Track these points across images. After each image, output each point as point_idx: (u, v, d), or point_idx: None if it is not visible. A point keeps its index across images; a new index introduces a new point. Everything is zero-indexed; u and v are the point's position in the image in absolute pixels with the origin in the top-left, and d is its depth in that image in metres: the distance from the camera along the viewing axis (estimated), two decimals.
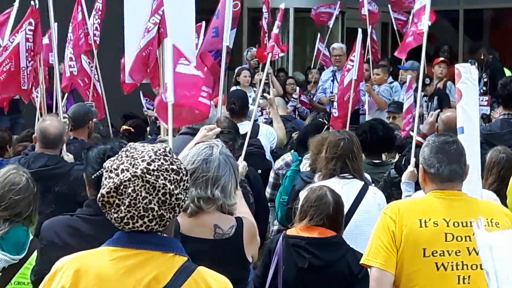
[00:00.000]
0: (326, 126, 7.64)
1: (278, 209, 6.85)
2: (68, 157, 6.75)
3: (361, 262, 4.04)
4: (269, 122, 9.28)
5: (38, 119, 8.01)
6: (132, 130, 8.55)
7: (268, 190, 7.30)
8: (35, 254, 4.42)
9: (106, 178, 2.70)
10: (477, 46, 14.01)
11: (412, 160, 6.26)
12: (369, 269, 4.10)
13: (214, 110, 6.32)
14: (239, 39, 16.10)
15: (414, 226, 3.88)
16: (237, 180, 4.17)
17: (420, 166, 4.09)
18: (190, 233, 4.02)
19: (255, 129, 8.25)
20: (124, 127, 8.72)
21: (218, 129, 4.70)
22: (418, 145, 6.63)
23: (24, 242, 4.47)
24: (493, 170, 5.73)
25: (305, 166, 6.59)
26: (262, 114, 11.00)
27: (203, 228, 4.05)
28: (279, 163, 7.39)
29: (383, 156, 7.32)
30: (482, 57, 12.90)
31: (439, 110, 8.37)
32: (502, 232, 2.21)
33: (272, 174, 7.40)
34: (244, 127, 7.83)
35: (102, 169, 3.48)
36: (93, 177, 3.58)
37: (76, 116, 7.55)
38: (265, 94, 9.46)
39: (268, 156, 8.19)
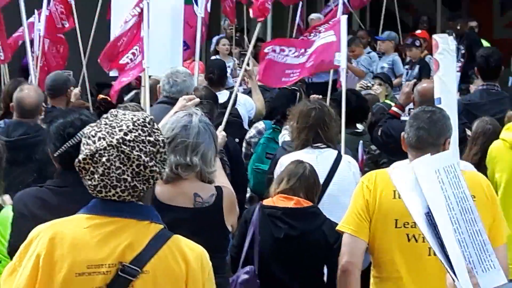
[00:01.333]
0: (298, 94, 7.60)
1: (251, 176, 6.85)
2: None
3: (337, 228, 4.07)
4: (247, 92, 9.26)
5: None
6: (109, 99, 8.48)
7: None
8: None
9: (84, 144, 2.69)
10: (457, 16, 13.97)
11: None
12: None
13: (191, 79, 6.30)
14: (217, 8, 16.02)
15: (388, 196, 3.89)
16: (216, 148, 4.16)
17: (402, 134, 4.09)
18: (170, 201, 4.01)
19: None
20: (101, 96, 8.65)
21: (198, 100, 4.68)
22: (395, 116, 6.65)
23: None
24: (478, 141, 5.73)
25: (284, 136, 6.59)
26: (241, 85, 10.97)
27: (183, 196, 4.04)
28: (251, 132, 7.37)
29: (360, 126, 7.34)
30: (459, 27, 12.87)
31: (415, 80, 8.35)
32: (421, 160, 2.18)
33: (243, 144, 7.38)
34: (222, 96, 7.81)
35: (64, 147, 3.49)
36: (55, 155, 3.57)
37: (54, 84, 7.50)
38: (244, 66, 9.41)
39: (246, 125, 8.18)
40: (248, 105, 8.41)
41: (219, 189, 4.12)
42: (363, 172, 6.59)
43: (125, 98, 9.24)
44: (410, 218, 3.82)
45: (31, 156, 5.90)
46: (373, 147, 6.85)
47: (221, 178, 4.27)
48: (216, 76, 8.40)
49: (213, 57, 11.79)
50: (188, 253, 2.69)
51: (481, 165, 5.42)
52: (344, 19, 6.96)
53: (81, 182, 3.48)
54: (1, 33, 8.55)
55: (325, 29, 7.13)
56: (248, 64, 9.44)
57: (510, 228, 4.74)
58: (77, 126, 3.53)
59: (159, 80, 6.67)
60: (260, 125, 7.41)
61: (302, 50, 7.18)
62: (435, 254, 3.81)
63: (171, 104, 5.35)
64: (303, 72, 7.08)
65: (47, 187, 3.58)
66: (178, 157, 4.01)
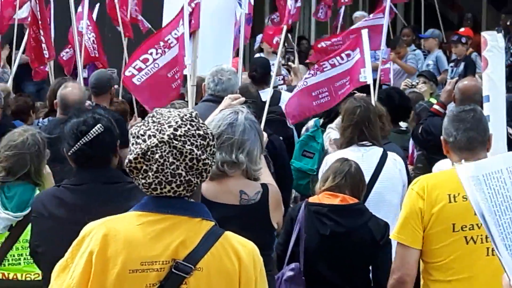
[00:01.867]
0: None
1: None
2: None
3: (390, 236, 4.04)
4: (291, 90, 9.26)
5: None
6: None
7: None
8: None
9: (133, 144, 2.69)
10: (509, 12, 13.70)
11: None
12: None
13: (236, 77, 6.30)
14: (261, 7, 16.04)
15: (443, 202, 3.84)
16: (262, 145, 4.16)
17: (442, 137, 4.05)
18: (216, 199, 4.02)
19: (277, 96, 8.26)
20: None
21: (243, 99, 4.69)
22: (436, 114, 6.58)
23: (29, 200, 4.52)
24: None
25: (329, 135, 6.59)
26: (284, 83, 10.97)
27: (229, 194, 4.05)
28: (303, 130, 7.40)
29: (403, 124, 7.32)
30: (508, 23, 12.66)
31: (457, 78, 8.27)
32: (485, 160, 2.15)
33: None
34: (266, 94, 7.83)
35: (77, 145, 3.56)
36: (69, 154, 3.63)
37: (98, 82, 7.55)
38: (289, 63, 9.44)
39: (289, 123, 8.18)
40: None
41: (264, 186, 4.11)
42: (415, 167, 6.58)
43: None
44: (467, 220, 3.80)
45: None
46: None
47: (266, 177, 4.27)
48: (259, 74, 8.42)
49: (256, 55, 11.80)
50: (240, 249, 2.69)
51: None
52: (365, 33, 6.94)
53: (96, 179, 3.56)
54: (46, 31, 8.62)
55: (351, 47, 7.08)
56: (293, 61, 9.48)
57: None
58: (90, 124, 3.61)
59: (204, 78, 6.70)
60: (310, 122, 7.43)
61: (316, 66, 7.18)
62: (493, 254, 3.77)
63: (216, 103, 5.37)
64: (340, 95, 7.03)
65: (64, 186, 3.65)
66: (224, 155, 4.02)
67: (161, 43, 6.88)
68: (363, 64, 6.81)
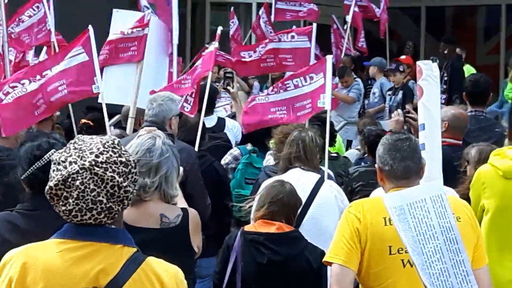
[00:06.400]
0: None
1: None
2: None
3: (323, 260, 4.02)
4: (232, 116, 9.25)
5: None
6: (91, 124, 8.31)
7: None
8: None
9: (54, 170, 2.68)
10: (452, 40, 13.85)
11: None
12: (329, 267, 4.07)
13: (171, 103, 6.19)
14: (201, 35, 16.11)
15: (379, 224, 3.87)
16: (179, 170, 4.21)
17: (376, 165, 4.08)
18: (136, 223, 4.02)
19: (222, 123, 8.27)
20: (83, 120, 8.47)
21: (159, 132, 4.71)
22: None
23: None
24: (479, 165, 5.68)
25: (269, 161, 6.60)
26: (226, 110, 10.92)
27: (150, 218, 4.08)
28: (227, 158, 7.33)
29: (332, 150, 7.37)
30: (446, 52, 12.84)
31: (405, 110, 8.31)
32: (410, 189, 2.19)
33: None
34: (211, 121, 7.84)
35: (30, 170, 3.54)
36: (22, 177, 3.61)
37: None
38: (228, 88, 9.41)
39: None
40: (235, 129, 8.41)
41: (185, 210, 4.18)
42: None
43: (110, 122, 9.19)
44: (403, 243, 3.81)
45: (0, 179, 5.83)
46: (351, 169, 6.80)
47: (182, 204, 4.30)
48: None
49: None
50: (163, 274, 2.69)
51: None
52: (329, 59, 6.91)
53: (50, 205, 3.50)
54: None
55: (315, 70, 7.03)
56: (232, 87, 9.46)
57: (497, 255, 4.75)
58: (44, 148, 3.60)
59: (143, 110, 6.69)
60: (235, 151, 7.39)
61: (280, 85, 7.15)
62: None
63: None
64: (300, 116, 7.01)
65: (17, 211, 3.60)
66: (143, 179, 4.05)
67: (37, 76, 6.86)
68: (323, 90, 6.79)
